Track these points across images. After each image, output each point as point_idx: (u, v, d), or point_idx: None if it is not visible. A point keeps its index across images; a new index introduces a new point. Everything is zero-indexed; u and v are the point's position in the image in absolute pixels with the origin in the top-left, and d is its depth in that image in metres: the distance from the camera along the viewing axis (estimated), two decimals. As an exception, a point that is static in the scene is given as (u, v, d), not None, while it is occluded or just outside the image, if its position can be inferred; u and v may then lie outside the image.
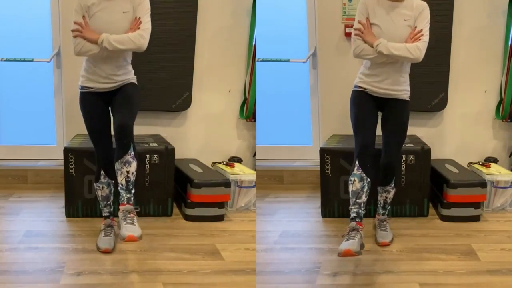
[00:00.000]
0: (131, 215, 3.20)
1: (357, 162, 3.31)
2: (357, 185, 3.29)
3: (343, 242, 3.16)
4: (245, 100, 4.61)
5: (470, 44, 4.51)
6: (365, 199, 3.31)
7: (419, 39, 3.19)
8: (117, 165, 3.23)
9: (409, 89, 3.43)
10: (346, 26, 4.49)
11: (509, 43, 4.45)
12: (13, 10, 4.54)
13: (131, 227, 3.14)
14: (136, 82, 3.42)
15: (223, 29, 4.58)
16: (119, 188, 3.26)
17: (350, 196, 3.32)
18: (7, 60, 4.49)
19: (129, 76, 3.38)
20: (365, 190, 3.30)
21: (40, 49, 4.53)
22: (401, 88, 3.37)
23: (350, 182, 3.32)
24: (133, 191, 3.26)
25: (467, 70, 4.54)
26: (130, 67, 3.39)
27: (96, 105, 3.37)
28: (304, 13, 4.63)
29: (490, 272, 3.25)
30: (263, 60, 4.60)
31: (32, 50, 4.52)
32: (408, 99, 3.41)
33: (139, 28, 3.20)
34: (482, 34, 4.50)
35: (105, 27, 3.17)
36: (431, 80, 4.42)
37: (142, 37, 3.18)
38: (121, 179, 3.23)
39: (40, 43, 4.55)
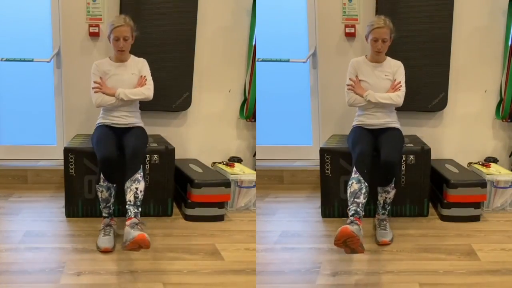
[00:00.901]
0: (139, 226, 3.33)
1: (354, 168, 3.54)
2: (355, 186, 3.46)
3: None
4: (245, 100, 4.61)
5: (470, 44, 4.51)
6: (364, 200, 3.40)
7: (399, 89, 3.86)
8: (127, 184, 3.49)
9: (398, 122, 3.95)
10: (346, 26, 4.49)
11: (509, 43, 4.44)
12: (13, 10, 4.54)
13: (140, 232, 3.24)
14: (143, 127, 3.96)
15: (223, 29, 4.58)
16: (127, 205, 3.44)
17: (348, 197, 3.45)
18: (7, 60, 4.49)
19: (138, 119, 3.96)
20: (363, 191, 3.42)
21: (40, 49, 4.53)
22: (391, 120, 3.91)
23: (348, 185, 3.50)
24: (140, 209, 3.46)
25: (467, 70, 4.54)
26: (139, 114, 4.00)
27: (107, 130, 3.85)
28: (304, 13, 4.63)
29: (490, 272, 3.25)
30: (263, 60, 4.60)
31: (32, 50, 4.52)
32: (399, 127, 3.92)
33: (145, 83, 3.90)
34: (482, 34, 4.50)
35: (119, 85, 3.84)
36: (431, 80, 4.43)
37: (149, 90, 3.90)
38: (130, 196, 3.45)
39: (40, 43, 4.55)
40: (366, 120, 3.91)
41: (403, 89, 3.87)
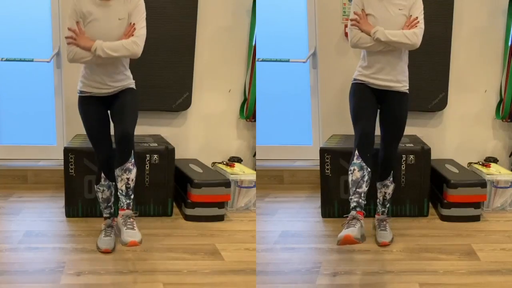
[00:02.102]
0: (131, 220, 3.28)
1: (356, 152, 3.30)
2: (357, 174, 3.26)
3: (343, 230, 3.08)
4: (245, 100, 4.61)
5: (470, 44, 4.51)
6: (366, 189, 3.26)
7: (415, 26, 3.27)
8: (117, 172, 3.30)
9: (408, 82, 3.44)
10: (346, 26, 4.49)
11: (509, 43, 4.45)
12: (13, 10, 4.54)
13: (131, 232, 3.20)
14: (134, 87, 3.42)
15: (223, 29, 4.58)
16: (118, 193, 3.33)
17: (350, 186, 3.27)
18: (7, 60, 4.49)
19: (127, 81, 3.37)
20: (365, 179, 3.26)
21: (40, 49, 4.53)
22: (400, 79, 3.39)
23: (350, 171, 3.29)
24: (132, 196, 3.34)
25: (467, 70, 4.54)
26: (128, 72, 3.38)
27: (94, 108, 3.37)
28: (304, 13, 4.63)
29: (490, 272, 3.25)
30: (263, 60, 4.60)
31: (32, 50, 4.52)
32: (407, 91, 3.44)
33: (133, 34, 3.17)
34: (482, 34, 4.50)
35: (101, 35, 3.15)
36: (431, 80, 4.42)
37: (135, 44, 3.15)
38: (121, 185, 3.30)
39: (40, 43, 4.55)
40: (370, 74, 3.37)
41: (421, 25, 3.28)
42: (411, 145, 4.10)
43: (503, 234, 3.75)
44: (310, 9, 4.60)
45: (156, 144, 4.16)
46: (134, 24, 3.17)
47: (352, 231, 3.06)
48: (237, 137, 4.71)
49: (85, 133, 3.83)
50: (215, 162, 4.54)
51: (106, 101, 3.36)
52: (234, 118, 4.69)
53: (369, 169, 3.27)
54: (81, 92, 3.37)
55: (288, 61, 4.64)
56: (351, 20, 3.32)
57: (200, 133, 4.65)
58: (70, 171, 3.93)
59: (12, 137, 4.69)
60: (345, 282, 3.16)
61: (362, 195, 3.25)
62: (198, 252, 3.50)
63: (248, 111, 4.56)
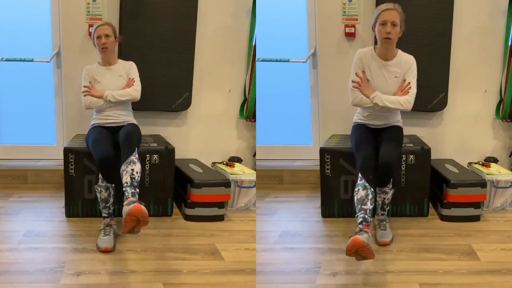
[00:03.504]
0: (137, 203, 3.25)
1: (360, 174, 3.47)
2: (362, 193, 3.40)
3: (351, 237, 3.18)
4: (245, 100, 4.61)
5: (470, 44, 4.51)
6: (371, 206, 3.36)
7: (407, 92, 3.61)
8: (122, 167, 3.52)
9: (401, 119, 3.83)
10: (346, 26, 4.49)
11: (509, 43, 4.44)
12: (13, 10, 4.54)
13: (134, 204, 3.23)
14: (136, 123, 4.02)
15: (223, 29, 4.58)
16: (123, 187, 3.42)
17: (356, 204, 3.40)
18: (7, 60, 4.49)
19: (130, 118, 4.02)
20: (369, 198, 3.37)
21: (40, 49, 4.53)
22: (394, 120, 3.79)
23: (355, 192, 3.44)
24: (137, 189, 3.44)
25: (467, 70, 4.54)
26: (131, 113, 4.07)
27: (102, 130, 3.90)
28: (304, 13, 4.62)
29: (490, 272, 3.25)
30: (263, 60, 4.60)
31: (32, 50, 4.52)
32: (401, 126, 3.81)
33: (133, 85, 3.99)
34: (482, 34, 4.50)
35: (107, 88, 3.94)
36: (431, 80, 4.42)
37: (136, 91, 3.99)
38: (126, 178, 3.46)
39: (40, 43, 4.55)
40: (368, 120, 3.78)
41: (413, 91, 3.62)
42: (411, 145, 4.10)
43: (503, 234, 3.75)
44: (310, 9, 4.60)
45: (156, 144, 4.17)
46: (133, 78, 4.02)
47: (360, 236, 3.14)
48: (237, 137, 4.71)
49: (85, 133, 3.86)
50: (215, 162, 4.54)
51: (113, 131, 3.88)
52: (234, 118, 4.69)
53: (372, 189, 3.41)
54: (93, 125, 3.98)
55: (288, 61, 4.64)
56: (353, 82, 3.63)
57: (200, 133, 4.65)
58: (70, 171, 3.93)
59: (12, 137, 4.70)
60: (345, 282, 3.16)
61: (368, 211, 3.34)
62: (198, 252, 3.50)
63: (248, 111, 4.56)
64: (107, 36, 3.95)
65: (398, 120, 3.81)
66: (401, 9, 3.62)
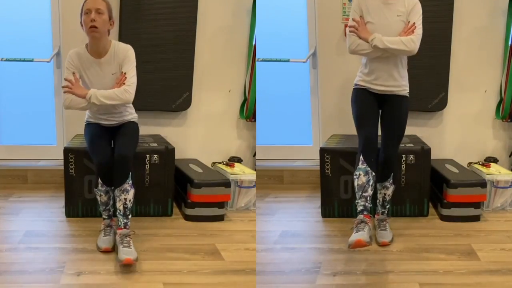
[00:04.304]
0: (128, 238, 3.37)
1: (361, 157, 3.38)
2: (363, 179, 3.35)
3: (353, 234, 3.22)
4: (245, 100, 4.61)
5: (470, 44, 4.51)
6: (371, 192, 3.36)
7: (413, 32, 3.30)
8: (116, 192, 3.42)
9: (408, 85, 3.52)
10: (346, 26, 4.47)
11: (509, 43, 4.45)
12: (13, 10, 4.54)
13: (127, 250, 3.29)
14: (136, 121, 3.64)
15: (223, 29, 4.58)
16: (117, 213, 3.44)
17: (356, 190, 3.37)
18: (7, 60, 4.49)
19: (129, 116, 3.61)
20: (370, 183, 3.35)
21: (40, 49, 4.53)
22: (399, 84, 3.46)
23: (355, 176, 3.38)
24: (130, 216, 3.43)
25: (467, 70, 4.54)
26: (130, 109, 3.61)
27: (99, 129, 3.58)
28: (304, 13, 4.63)
29: (490, 272, 3.25)
30: (263, 60, 4.60)
31: (32, 50, 4.52)
32: (407, 95, 3.53)
33: (124, 83, 3.35)
34: (482, 34, 4.50)
35: (95, 87, 3.39)
36: (431, 80, 4.42)
37: (127, 92, 3.34)
38: (119, 205, 3.41)
39: (40, 43, 4.55)
40: (370, 79, 3.44)
41: (418, 31, 3.31)
42: (411, 145, 4.10)
43: (503, 234, 3.75)
44: (310, 9, 4.60)
45: (156, 144, 4.16)
46: (125, 73, 3.35)
47: (362, 235, 3.19)
48: (237, 137, 4.71)
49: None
50: (215, 162, 4.54)
51: (111, 130, 3.59)
52: (234, 118, 4.69)
53: (373, 173, 3.37)
54: (88, 122, 3.62)
55: (288, 61, 4.64)
56: (350, 26, 3.38)
57: (200, 133, 4.65)
58: (70, 171, 3.92)
59: (12, 137, 4.69)
60: (345, 282, 3.16)
61: (368, 198, 3.34)
62: (198, 252, 3.50)
63: (248, 111, 4.56)
64: (98, 12, 3.24)
65: (404, 84, 3.47)
66: None
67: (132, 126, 3.61)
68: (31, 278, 3.13)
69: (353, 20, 3.37)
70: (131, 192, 3.43)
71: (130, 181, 3.43)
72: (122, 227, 3.40)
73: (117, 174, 3.40)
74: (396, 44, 3.28)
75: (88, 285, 3.09)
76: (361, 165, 3.37)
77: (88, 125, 3.62)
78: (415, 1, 3.39)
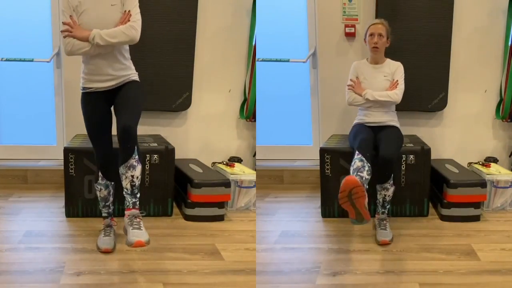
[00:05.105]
0: (137, 219, 3.15)
1: (356, 152, 3.62)
2: (358, 164, 3.54)
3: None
4: (245, 100, 4.61)
5: (470, 44, 4.51)
6: (367, 176, 3.49)
7: (396, 87, 3.94)
8: (121, 170, 3.18)
9: (398, 121, 4.00)
10: (346, 26, 4.49)
11: (509, 43, 4.45)
12: (13, 10, 4.54)
13: (138, 232, 3.08)
14: (138, 79, 3.37)
15: (223, 29, 4.58)
16: (124, 192, 3.21)
17: (351, 172, 3.51)
18: (7, 60, 4.49)
19: (129, 72, 3.33)
20: (366, 168, 3.51)
21: (40, 49, 4.53)
22: (390, 119, 3.97)
23: (351, 165, 3.56)
24: (138, 195, 3.21)
25: (467, 70, 4.54)
26: (129, 63, 3.34)
27: (97, 105, 3.32)
28: (304, 13, 4.63)
29: (490, 272, 3.25)
30: (263, 60, 4.60)
31: (32, 50, 4.52)
32: (398, 126, 3.97)
33: (129, 20, 3.16)
34: (482, 34, 4.50)
35: (95, 23, 3.14)
36: (431, 80, 4.43)
37: (133, 28, 3.14)
38: (126, 183, 3.17)
39: (40, 43, 4.55)
40: (366, 118, 3.98)
41: (401, 86, 3.94)
42: (411, 145, 4.10)
43: (503, 234, 3.75)
44: (310, 9, 4.60)
45: (156, 144, 4.16)
46: (129, 11, 3.16)
47: (353, 175, 3.38)
48: (237, 137, 4.71)
49: (85, 133, 3.82)
50: (215, 162, 4.54)
51: (109, 97, 3.30)
52: (234, 118, 4.69)
53: (369, 164, 3.52)
54: (83, 88, 3.32)
55: (288, 61, 4.64)
56: (348, 85, 4.01)
57: (200, 133, 4.65)
58: (70, 171, 3.93)
59: (12, 137, 4.69)
60: (345, 282, 3.16)
61: (364, 179, 3.46)
62: (198, 252, 3.50)
63: (248, 111, 4.56)
64: None
65: (394, 120, 3.99)
66: (387, 24, 3.99)
67: (134, 87, 3.29)
68: (31, 278, 3.13)
69: (351, 80, 4.02)
70: (138, 168, 3.15)
71: (137, 156, 3.14)
72: (131, 207, 3.15)
73: (121, 149, 3.13)
74: (383, 97, 3.91)
75: (88, 285, 3.09)
76: (356, 156, 3.59)
77: (85, 96, 3.32)
78: (398, 64, 4.01)
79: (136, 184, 3.18)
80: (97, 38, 3.09)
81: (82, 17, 3.15)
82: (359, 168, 3.51)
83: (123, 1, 3.17)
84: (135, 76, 3.35)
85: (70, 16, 3.14)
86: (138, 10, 3.20)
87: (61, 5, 3.19)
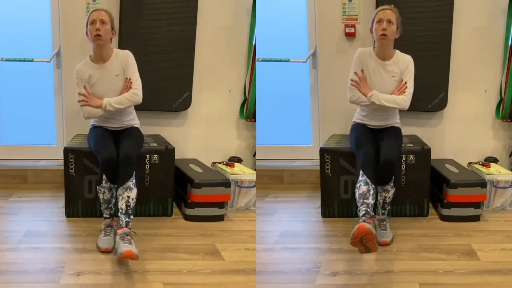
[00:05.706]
0: (129, 237, 3.34)
1: (361, 171, 3.51)
2: (363, 188, 3.45)
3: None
4: (245, 100, 4.61)
5: (470, 44, 4.51)
6: (372, 201, 3.41)
7: (404, 92, 3.67)
8: (119, 191, 3.46)
9: (399, 121, 3.86)
10: (346, 26, 4.49)
11: (509, 43, 4.44)
12: (13, 10, 4.54)
13: (128, 246, 3.25)
14: (139, 127, 3.88)
15: (223, 29, 4.58)
16: (119, 212, 3.44)
17: (357, 199, 3.45)
18: (7, 60, 4.49)
19: (134, 121, 3.86)
20: (371, 193, 3.43)
21: (40, 49, 4.53)
22: (392, 121, 3.82)
23: (356, 188, 3.49)
24: (132, 216, 3.44)
25: (467, 70, 4.54)
26: (134, 115, 3.88)
27: (105, 130, 3.78)
28: (304, 13, 4.63)
29: (490, 272, 3.25)
30: (263, 60, 4.60)
31: (32, 50, 4.52)
32: (400, 127, 3.86)
33: (131, 87, 3.69)
34: (482, 34, 4.50)
35: (105, 91, 3.68)
36: (431, 80, 4.42)
37: (136, 95, 3.69)
38: (121, 204, 3.43)
39: (40, 43, 4.55)
40: (367, 120, 3.83)
41: (409, 90, 3.69)
42: (411, 145, 4.10)
43: (503, 234, 3.75)
44: (310, 9, 4.60)
45: (156, 144, 4.16)
46: (130, 78, 3.70)
47: (365, 223, 3.22)
48: (237, 137, 4.71)
49: (85, 133, 3.85)
50: (215, 162, 4.54)
51: (115, 134, 3.76)
52: (234, 118, 4.69)
53: (373, 186, 3.46)
54: (93, 125, 3.85)
55: (288, 61, 4.64)
56: (352, 80, 3.69)
57: (200, 133, 4.65)
58: (70, 171, 3.92)
59: (12, 137, 4.69)
60: (345, 282, 3.16)
61: (370, 205, 3.40)
62: (198, 252, 3.50)
63: (248, 111, 4.56)
64: (102, 22, 3.60)
65: (396, 122, 3.85)
66: (397, 11, 3.70)
67: (135, 131, 3.83)
68: (31, 278, 3.13)
69: (355, 74, 3.70)
70: (134, 191, 3.47)
71: (134, 180, 3.49)
72: (124, 225, 3.39)
73: (121, 172, 3.48)
74: (390, 102, 3.65)
75: (88, 285, 3.09)
76: (361, 177, 3.50)
77: (93, 128, 3.82)
78: (408, 61, 3.73)
79: (131, 205, 3.44)
80: (108, 106, 3.64)
81: (94, 87, 3.69)
82: (365, 194, 3.42)
83: (124, 69, 3.70)
84: (137, 124, 3.88)
85: (84, 87, 3.68)
86: (138, 76, 3.74)
87: (75, 78, 3.71)
